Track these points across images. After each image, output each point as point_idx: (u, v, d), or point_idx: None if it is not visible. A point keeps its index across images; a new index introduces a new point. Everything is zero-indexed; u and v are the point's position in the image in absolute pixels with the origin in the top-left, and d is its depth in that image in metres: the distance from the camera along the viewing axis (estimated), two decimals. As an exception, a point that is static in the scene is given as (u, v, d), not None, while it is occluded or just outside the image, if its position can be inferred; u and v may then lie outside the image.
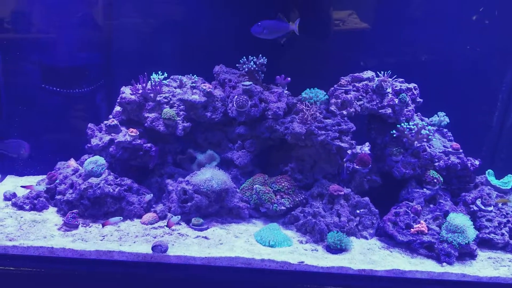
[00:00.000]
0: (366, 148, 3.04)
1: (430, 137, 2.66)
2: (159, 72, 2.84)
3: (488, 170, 2.80)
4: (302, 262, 2.34)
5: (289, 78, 2.95)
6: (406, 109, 2.75)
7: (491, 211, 2.62)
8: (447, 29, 3.10)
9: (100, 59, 3.15)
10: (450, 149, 2.75)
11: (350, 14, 3.14)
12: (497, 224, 2.59)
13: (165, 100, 2.79)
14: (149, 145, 2.76)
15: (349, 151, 2.80)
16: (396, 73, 2.86)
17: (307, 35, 3.15)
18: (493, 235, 2.56)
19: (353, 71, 2.90)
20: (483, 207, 2.62)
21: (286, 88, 2.97)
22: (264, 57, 2.91)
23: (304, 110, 2.70)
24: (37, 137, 3.13)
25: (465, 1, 3.07)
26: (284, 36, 2.62)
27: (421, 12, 3.15)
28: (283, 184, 2.73)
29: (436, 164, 2.70)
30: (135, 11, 3.15)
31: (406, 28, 3.13)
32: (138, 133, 2.74)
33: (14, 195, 2.78)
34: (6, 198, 2.78)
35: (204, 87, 2.84)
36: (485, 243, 2.58)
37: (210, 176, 2.62)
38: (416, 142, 2.67)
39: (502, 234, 2.57)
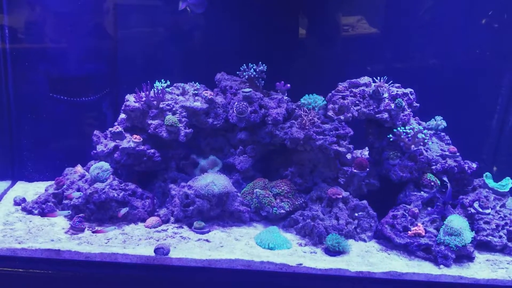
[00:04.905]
0: (366, 152, 3.09)
1: (426, 140, 2.70)
2: (162, 80, 2.93)
3: (486, 173, 2.83)
4: (301, 264, 2.39)
5: (288, 85, 3.01)
6: (402, 114, 2.80)
7: (489, 214, 2.64)
8: (447, 33, 3.14)
9: (106, 68, 3.25)
10: (447, 153, 2.79)
11: (359, 19, 3.19)
12: (495, 227, 2.61)
13: (168, 107, 2.88)
14: (152, 151, 2.85)
15: (348, 155, 2.85)
16: (396, 77, 2.90)
17: (314, 40, 3.23)
18: (491, 237, 2.58)
19: (354, 76, 2.95)
20: (480, 210, 2.65)
21: (286, 94, 3.03)
22: (264, 64, 2.98)
23: (303, 115, 2.76)
24: (45, 144, 3.24)
25: (467, 5, 3.11)
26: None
27: (419, 16, 3.20)
28: (282, 188, 2.79)
29: (433, 167, 2.73)
30: (140, 21, 3.24)
31: (408, 33, 3.17)
32: (141, 139, 2.83)
33: (23, 200, 2.89)
34: (16, 203, 2.88)
35: (206, 94, 2.92)
36: (483, 246, 2.60)
37: (211, 180, 2.69)
38: (412, 146, 2.71)
39: (500, 237, 2.59)
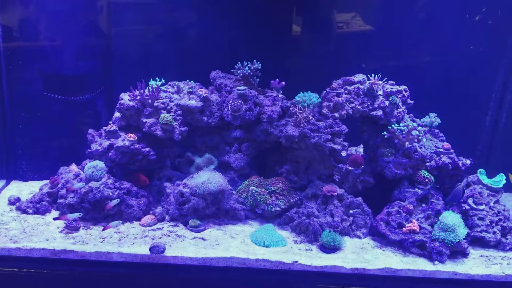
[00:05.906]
0: (360, 149, 3.10)
1: (420, 137, 2.71)
2: (157, 78, 2.92)
3: (480, 169, 2.84)
4: (296, 261, 2.40)
5: (283, 82, 3.01)
6: (396, 111, 2.80)
7: (483, 210, 2.66)
8: (440, 29, 3.14)
9: (101, 67, 3.24)
10: (441, 149, 2.80)
11: (353, 16, 3.19)
12: (489, 223, 2.62)
13: (163, 106, 2.87)
14: (147, 149, 2.84)
15: (343, 153, 2.86)
16: (391, 75, 2.90)
17: (308, 37, 3.23)
18: (485, 233, 2.60)
19: (349, 73, 2.95)
20: (474, 206, 2.66)
21: (281, 92, 3.03)
22: (258, 62, 2.98)
23: (298, 113, 2.76)
24: (40, 143, 3.23)
25: (461, 2, 3.11)
26: None
27: (414, 13, 3.20)
28: (278, 185, 2.80)
29: (428, 164, 2.74)
30: (134, 19, 3.23)
31: (402, 30, 3.17)
32: (136, 138, 2.82)
33: (18, 199, 2.88)
34: (11, 203, 2.87)
35: (200, 92, 2.92)
36: (477, 242, 2.61)
37: (206, 178, 2.69)
38: (407, 143, 2.72)
39: (494, 233, 2.60)
